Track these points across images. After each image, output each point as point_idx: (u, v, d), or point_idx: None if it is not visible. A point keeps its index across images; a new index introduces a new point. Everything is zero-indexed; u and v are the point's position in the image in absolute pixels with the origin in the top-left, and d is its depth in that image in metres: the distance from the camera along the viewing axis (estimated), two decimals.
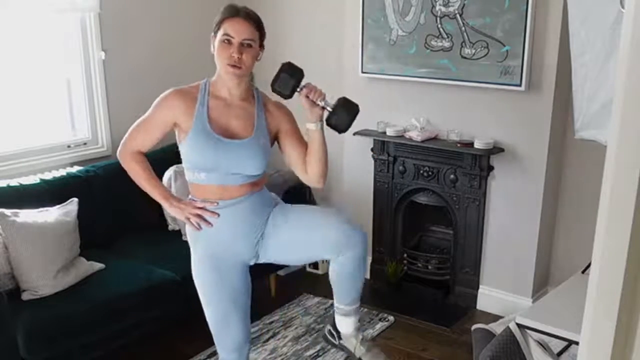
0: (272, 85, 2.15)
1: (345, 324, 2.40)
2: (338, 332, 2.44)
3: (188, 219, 2.21)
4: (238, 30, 2.10)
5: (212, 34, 2.17)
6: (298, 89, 2.14)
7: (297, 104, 2.24)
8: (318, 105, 2.15)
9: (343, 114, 2.16)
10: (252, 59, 2.14)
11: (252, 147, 2.16)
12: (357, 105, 2.19)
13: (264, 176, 2.29)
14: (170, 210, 2.26)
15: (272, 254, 2.30)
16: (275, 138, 2.29)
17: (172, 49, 4.03)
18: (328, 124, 2.19)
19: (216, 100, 2.19)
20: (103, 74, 3.68)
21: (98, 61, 3.65)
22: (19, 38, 3.42)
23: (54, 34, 3.59)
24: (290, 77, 2.13)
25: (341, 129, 2.19)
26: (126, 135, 2.24)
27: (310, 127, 2.19)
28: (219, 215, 2.19)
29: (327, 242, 2.22)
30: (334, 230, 2.21)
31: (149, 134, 2.22)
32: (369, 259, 4.12)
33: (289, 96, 2.16)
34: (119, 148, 2.26)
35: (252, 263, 2.33)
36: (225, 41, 2.11)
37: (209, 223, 2.20)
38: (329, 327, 2.49)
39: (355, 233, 2.23)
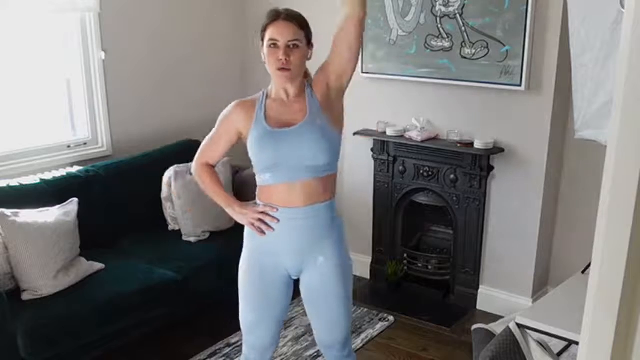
0: None
1: None
2: None
3: (252, 224, 2.22)
4: (282, 32, 2.11)
5: (260, 42, 2.17)
6: None
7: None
8: None
9: None
10: (301, 58, 2.14)
11: (309, 129, 2.12)
12: None
13: (331, 176, 2.21)
14: (234, 216, 2.28)
15: (301, 284, 2.32)
16: (335, 83, 2.19)
17: (172, 49, 4.03)
18: None
19: (274, 102, 2.20)
20: (103, 74, 3.68)
21: (98, 61, 3.65)
22: (19, 38, 3.41)
23: (54, 34, 3.59)
24: None
25: None
26: (198, 151, 2.35)
27: None
28: (278, 220, 2.17)
29: (319, 335, 2.37)
30: (333, 344, 2.33)
31: (216, 147, 2.30)
32: (369, 259, 4.13)
33: None
34: (193, 162, 2.36)
35: (294, 277, 2.32)
36: (272, 45, 2.12)
37: (271, 227, 2.19)
38: None
39: (336, 352, 2.36)
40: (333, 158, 2.18)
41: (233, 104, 2.26)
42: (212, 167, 2.35)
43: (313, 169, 2.14)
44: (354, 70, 2.22)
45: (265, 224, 2.19)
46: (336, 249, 2.25)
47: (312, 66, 2.25)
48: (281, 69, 2.11)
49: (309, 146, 2.12)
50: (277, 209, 2.17)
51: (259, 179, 2.23)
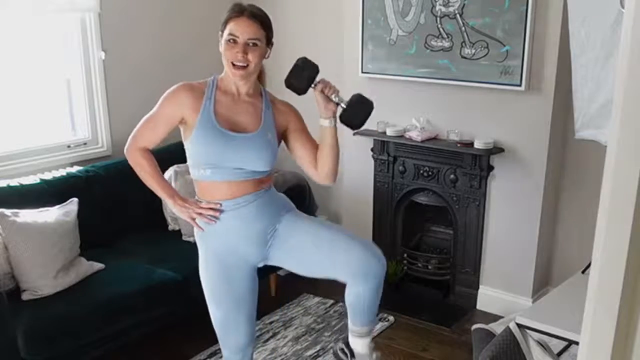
0: (286, 80, 2.12)
1: (360, 345, 2.37)
2: (351, 351, 2.40)
3: (193, 219, 2.20)
4: (243, 30, 2.09)
5: (220, 32, 2.16)
6: (313, 84, 2.12)
7: (306, 102, 2.23)
8: (332, 101, 2.13)
9: (357, 111, 2.14)
10: (259, 57, 2.13)
11: (259, 141, 2.14)
12: (371, 102, 2.18)
13: (270, 175, 2.26)
14: (175, 208, 2.24)
15: (281, 260, 2.29)
16: (282, 136, 2.27)
17: (172, 49, 4.03)
18: (342, 121, 2.16)
19: (223, 95, 2.18)
20: (103, 74, 3.68)
21: (98, 61, 3.65)
22: (19, 38, 3.42)
23: (54, 34, 3.59)
24: (304, 72, 2.11)
25: (355, 125, 2.17)
26: (133, 132, 2.22)
27: (323, 123, 2.17)
28: (223, 211, 2.16)
29: (347, 268, 2.19)
30: (357, 259, 2.17)
31: (156, 130, 2.20)
32: None
33: (304, 91, 2.13)
34: (126, 144, 2.23)
35: (260, 265, 2.31)
36: (231, 40, 2.10)
37: (213, 220, 2.17)
38: (341, 344, 2.44)
39: (378, 264, 2.20)
40: (272, 166, 2.23)
41: (179, 85, 2.19)
42: (149, 151, 2.23)
43: (254, 173, 2.17)
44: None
45: (210, 216, 2.17)
46: (290, 213, 2.28)
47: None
48: (236, 66, 2.10)
49: (256, 157, 2.14)
50: (220, 204, 2.16)
51: (198, 173, 2.19)
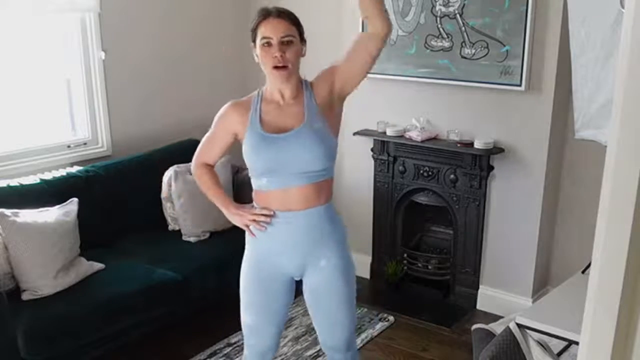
0: None
1: None
2: None
3: (247, 225, 2.20)
4: (274, 29, 2.07)
5: (252, 43, 2.14)
6: None
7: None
8: None
9: None
10: (296, 55, 2.11)
11: (306, 134, 2.09)
12: None
13: (328, 181, 2.20)
14: (230, 217, 2.26)
15: (304, 285, 2.30)
16: (338, 95, 2.18)
17: (172, 49, 4.03)
18: None
19: (268, 104, 2.17)
20: (103, 74, 3.68)
21: (98, 61, 3.65)
22: (19, 38, 3.41)
23: (54, 34, 3.59)
24: None
25: None
26: (196, 151, 2.33)
27: None
28: (273, 215, 2.15)
29: (324, 338, 2.35)
30: (330, 340, 2.33)
31: (213, 148, 2.29)
32: (369, 259, 4.13)
33: None
34: (192, 162, 2.35)
35: (297, 278, 2.30)
36: (266, 44, 2.08)
37: (263, 227, 2.17)
38: None
39: (341, 355, 2.35)
40: (329, 163, 2.16)
41: (228, 105, 2.23)
42: (211, 167, 2.33)
43: (310, 175, 2.12)
44: (361, 80, 2.20)
45: (259, 224, 2.17)
46: (338, 251, 2.23)
47: (307, 66, 2.23)
48: (277, 67, 2.08)
49: (305, 151, 2.09)
50: (274, 212, 2.15)
51: (255, 184, 2.21)
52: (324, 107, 2.16)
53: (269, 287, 2.26)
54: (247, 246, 2.30)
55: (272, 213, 2.15)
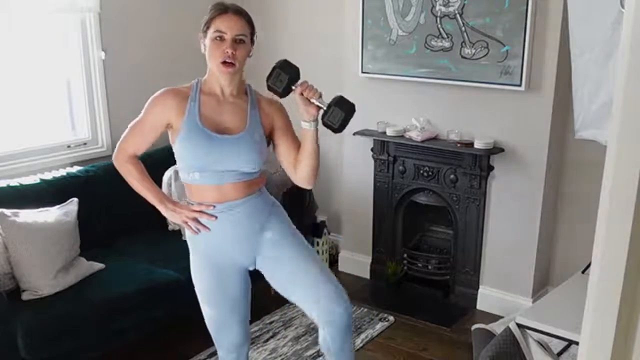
0: (267, 81, 2.09)
1: None
2: None
3: (185, 222, 2.19)
4: (230, 26, 2.09)
5: (201, 33, 2.15)
6: (293, 87, 2.08)
7: (291, 103, 2.23)
8: (313, 103, 2.09)
9: (338, 113, 2.08)
10: (245, 54, 2.13)
11: (246, 142, 2.13)
12: (353, 105, 2.11)
13: (261, 176, 2.25)
14: (166, 213, 2.23)
15: (265, 271, 2.29)
16: (270, 135, 2.25)
17: (172, 49, 4.03)
18: (323, 124, 2.11)
19: (208, 97, 2.16)
20: (103, 74, 3.68)
21: (98, 61, 3.65)
22: (19, 38, 3.42)
23: (54, 34, 3.59)
24: (285, 74, 2.07)
25: (336, 128, 2.09)
26: (120, 139, 2.23)
27: (304, 125, 2.14)
28: (216, 217, 2.16)
29: (313, 306, 2.24)
30: (324, 303, 2.21)
31: (143, 137, 2.20)
32: (369, 259, 4.13)
33: (284, 94, 2.09)
34: (114, 152, 2.24)
35: (250, 268, 2.31)
36: (218, 38, 2.09)
37: (206, 227, 2.17)
38: None
39: (343, 314, 2.23)
40: (261, 166, 2.21)
41: (163, 90, 2.18)
42: (136, 157, 2.24)
43: (243, 174, 2.16)
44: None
45: (201, 223, 2.17)
46: (279, 222, 2.25)
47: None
48: (225, 63, 2.08)
49: (244, 158, 2.13)
50: (214, 206, 2.15)
51: (187, 177, 2.19)
52: (264, 125, 2.21)
53: (222, 277, 2.24)
54: (190, 246, 2.27)
55: (211, 207, 2.15)
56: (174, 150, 2.18)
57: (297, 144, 2.24)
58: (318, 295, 2.22)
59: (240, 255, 2.22)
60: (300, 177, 2.22)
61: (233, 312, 2.29)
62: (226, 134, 2.12)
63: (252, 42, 2.18)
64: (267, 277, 2.31)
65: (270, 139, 2.27)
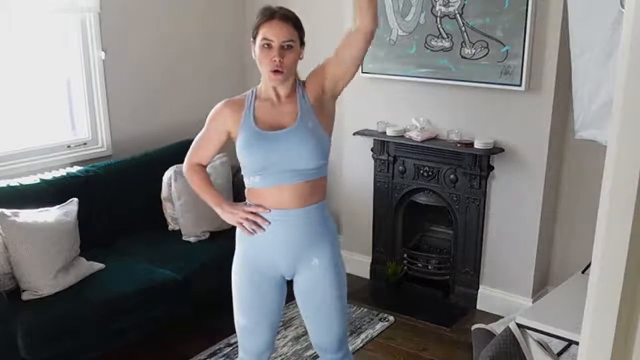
0: None
1: None
2: None
3: (240, 223, 2.18)
4: (277, 33, 2.06)
5: (251, 39, 2.13)
6: None
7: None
8: None
9: None
10: (294, 60, 2.11)
11: (300, 133, 2.09)
12: None
13: (322, 178, 2.19)
14: (223, 216, 2.24)
15: (295, 285, 2.30)
16: (330, 93, 2.17)
17: (172, 49, 4.03)
18: None
19: (262, 102, 2.17)
20: (103, 74, 3.68)
21: (98, 61, 3.65)
22: (19, 38, 3.41)
23: (54, 34, 3.59)
24: None
25: None
26: (189, 151, 2.31)
27: None
28: (269, 222, 2.14)
29: (316, 337, 2.34)
30: (325, 340, 2.31)
31: (206, 148, 2.28)
32: (369, 259, 4.13)
33: None
34: (184, 162, 2.34)
35: (288, 278, 2.30)
36: (265, 46, 2.07)
37: (261, 228, 2.15)
38: None
39: (336, 355, 2.33)
40: (323, 161, 2.16)
41: (221, 103, 2.22)
42: (204, 167, 2.32)
43: (303, 173, 2.11)
44: (352, 77, 2.19)
45: (256, 224, 2.16)
46: (330, 251, 2.22)
47: (304, 65, 2.23)
48: (274, 71, 2.08)
49: (299, 149, 2.09)
50: (270, 210, 2.14)
51: (248, 181, 2.20)
52: (316, 105, 2.15)
53: (261, 287, 2.25)
54: (237, 244, 2.28)
55: (267, 210, 2.14)
56: (239, 158, 2.19)
57: (338, 49, 2.15)
58: (325, 336, 2.32)
59: (284, 263, 2.22)
60: (367, 21, 2.05)
61: (263, 319, 2.29)
62: (280, 130, 2.11)
63: (303, 44, 2.16)
64: (294, 289, 2.32)
65: (333, 82, 2.16)
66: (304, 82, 2.21)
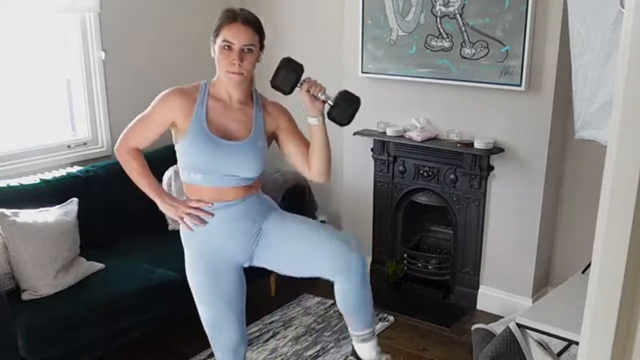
0: (272, 81, 2.12)
1: (366, 350, 2.39)
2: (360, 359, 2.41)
3: (181, 218, 2.20)
4: (237, 36, 2.08)
5: (212, 38, 2.15)
6: (298, 85, 2.12)
7: (295, 102, 2.23)
8: (319, 99, 2.13)
9: (344, 107, 2.14)
10: (253, 63, 2.14)
11: (249, 149, 2.16)
12: (358, 98, 2.17)
13: (259, 179, 2.28)
14: (163, 207, 2.24)
15: (266, 260, 2.29)
16: (272, 138, 2.28)
17: (172, 49, 4.03)
18: (330, 118, 2.16)
19: (215, 102, 2.18)
20: (103, 74, 3.68)
21: (98, 61, 3.65)
22: (19, 38, 3.42)
23: (54, 34, 3.59)
24: (289, 72, 2.10)
25: (343, 122, 2.17)
26: (124, 131, 2.24)
27: (312, 121, 2.17)
28: (213, 215, 2.18)
29: (329, 263, 2.20)
30: (338, 254, 2.18)
31: (147, 132, 2.22)
32: (369, 259, 4.13)
33: (289, 92, 2.13)
34: (117, 143, 2.25)
35: (246, 265, 2.31)
36: (226, 47, 2.09)
37: (203, 222, 2.18)
38: (350, 358, 2.46)
39: (358, 259, 2.20)
40: (260, 173, 2.24)
41: (172, 89, 2.19)
42: (139, 151, 2.25)
43: (242, 180, 2.18)
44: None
45: (199, 218, 2.18)
46: (279, 212, 2.31)
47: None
48: (232, 73, 2.10)
49: (246, 165, 2.16)
50: (212, 203, 2.17)
51: (188, 177, 2.21)
52: (267, 132, 2.23)
53: (217, 275, 2.25)
54: (185, 243, 2.29)
55: (208, 204, 2.17)
56: (177, 149, 2.20)
57: (305, 141, 2.26)
58: (331, 251, 2.19)
59: (235, 250, 2.23)
60: (316, 172, 2.25)
61: (229, 311, 2.29)
62: (231, 140, 2.15)
63: (262, 47, 2.18)
64: (275, 264, 2.31)
65: (275, 140, 2.29)
66: (263, 101, 2.25)
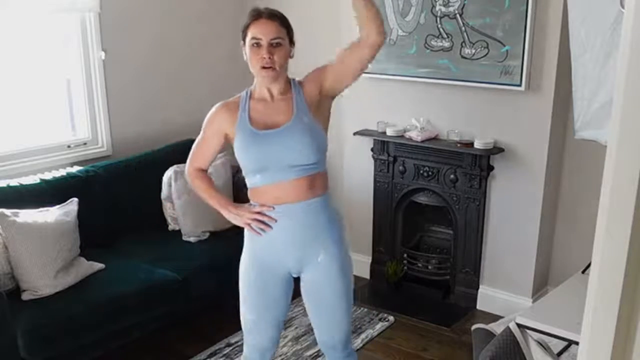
0: None
1: None
2: None
3: (248, 224, 2.21)
4: (264, 31, 2.10)
5: (242, 42, 2.17)
6: None
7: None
8: None
9: None
10: (284, 57, 2.14)
11: (296, 129, 2.12)
12: None
13: (321, 172, 2.20)
14: (229, 217, 2.26)
15: (302, 282, 2.30)
16: (326, 97, 2.20)
17: (172, 49, 4.03)
18: None
19: (257, 103, 2.20)
20: (103, 74, 3.68)
21: (98, 61, 3.65)
22: (19, 38, 3.41)
23: (54, 34, 3.59)
24: None
25: None
26: (189, 157, 2.34)
27: None
28: (276, 220, 2.16)
29: (322, 336, 2.35)
30: (333, 337, 2.32)
31: (205, 153, 2.31)
32: (369, 259, 4.13)
33: None
34: (185, 169, 2.38)
35: (295, 275, 2.31)
36: (255, 45, 2.11)
37: (269, 227, 2.18)
38: None
39: (342, 353, 2.36)
40: (320, 156, 2.17)
41: (217, 106, 2.26)
42: (205, 171, 2.35)
43: (302, 168, 2.13)
44: (352, 83, 2.22)
45: (264, 223, 2.18)
46: (337, 245, 2.24)
47: (304, 58, 2.23)
48: (264, 68, 2.10)
49: (295, 145, 2.11)
50: (273, 208, 2.16)
51: (249, 181, 2.23)
52: (312, 104, 2.19)
53: (269, 282, 2.27)
54: (246, 243, 2.30)
55: (270, 208, 2.16)
56: (237, 159, 2.22)
57: (341, 51, 2.19)
58: (332, 333, 2.33)
59: (290, 259, 2.23)
60: (372, 34, 2.10)
61: (268, 316, 2.31)
62: (275, 129, 2.14)
63: (292, 42, 2.20)
64: (301, 288, 2.33)
65: (334, 84, 2.19)
66: (300, 82, 2.23)
